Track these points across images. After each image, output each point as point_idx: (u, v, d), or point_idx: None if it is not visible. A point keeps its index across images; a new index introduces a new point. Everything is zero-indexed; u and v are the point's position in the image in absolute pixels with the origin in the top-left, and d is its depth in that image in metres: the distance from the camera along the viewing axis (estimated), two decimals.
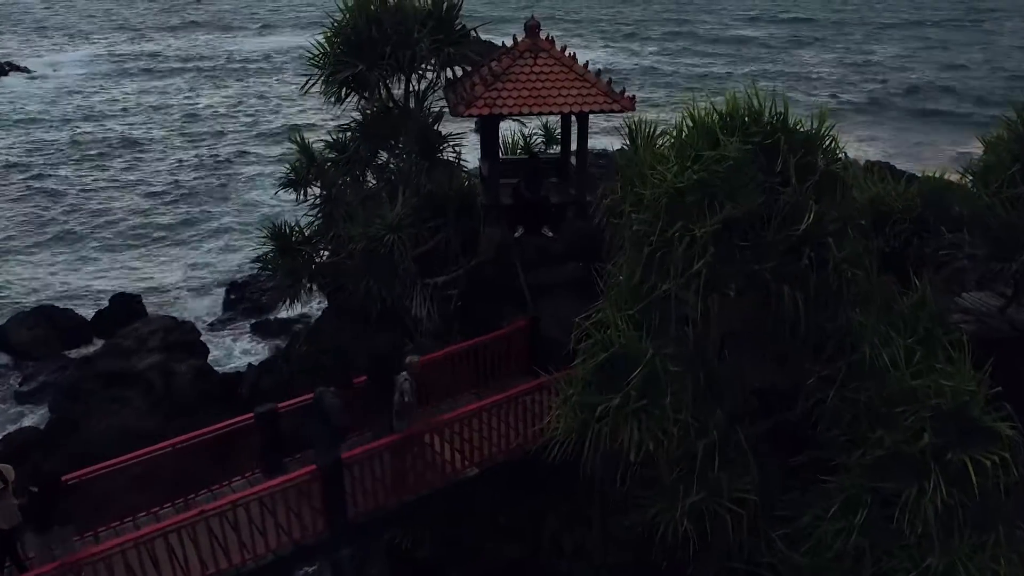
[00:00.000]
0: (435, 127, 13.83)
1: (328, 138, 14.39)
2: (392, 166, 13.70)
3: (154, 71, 61.38)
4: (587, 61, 13.90)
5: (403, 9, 13.53)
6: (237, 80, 57.69)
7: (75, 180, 37.75)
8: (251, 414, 10.67)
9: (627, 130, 14.84)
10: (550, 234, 14.28)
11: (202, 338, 22.61)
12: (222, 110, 49.82)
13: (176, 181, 37.56)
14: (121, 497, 9.86)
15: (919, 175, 15.92)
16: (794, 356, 10.12)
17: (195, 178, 37.95)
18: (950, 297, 13.43)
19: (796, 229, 9.52)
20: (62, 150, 41.78)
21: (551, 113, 13.23)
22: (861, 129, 46.24)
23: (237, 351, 24.15)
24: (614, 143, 20.24)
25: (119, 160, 40.69)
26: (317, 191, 13.80)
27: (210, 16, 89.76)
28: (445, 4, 13.99)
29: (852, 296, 9.94)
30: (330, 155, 13.88)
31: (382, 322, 13.62)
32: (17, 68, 60.11)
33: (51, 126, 46.16)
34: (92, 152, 41.65)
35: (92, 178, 38.03)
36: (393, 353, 11.35)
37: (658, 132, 13.96)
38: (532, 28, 13.75)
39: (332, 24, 13.43)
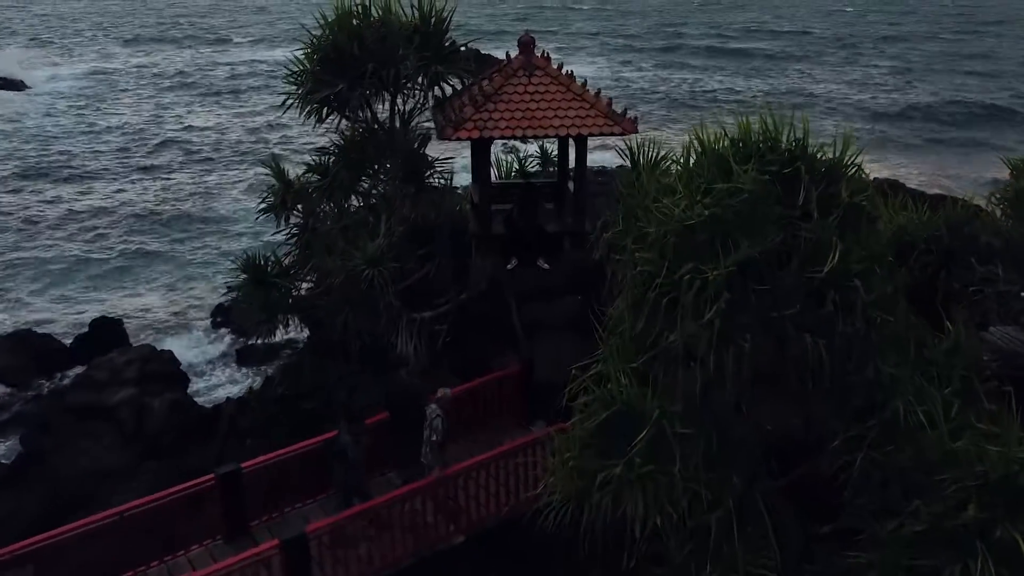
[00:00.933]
0: (422, 150, 12.80)
1: (311, 160, 13.34)
2: (376, 192, 12.65)
3: (147, 87, 60.45)
4: (585, 80, 12.90)
5: (387, 24, 12.56)
6: (230, 96, 56.80)
7: (58, 201, 36.66)
8: (212, 475, 9.59)
9: (628, 153, 13.91)
10: (546, 266, 13.24)
11: (183, 367, 21.51)
12: (212, 130, 48.70)
13: (161, 203, 36.51)
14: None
15: (935, 198, 14.90)
16: (817, 412, 9.06)
17: (180, 200, 36.98)
18: (981, 338, 12.38)
19: (819, 270, 8.50)
20: (45, 171, 40.72)
21: (546, 136, 12.25)
22: (871, 150, 45.14)
23: (221, 379, 23.09)
24: (614, 159, 19.30)
25: (103, 182, 39.66)
26: (297, 218, 12.72)
27: (207, 29, 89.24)
28: (433, 19, 12.99)
29: (882, 344, 8.89)
30: (311, 179, 12.84)
31: (366, 361, 12.60)
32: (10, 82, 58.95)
33: (37, 144, 45.13)
34: (77, 172, 40.68)
35: (75, 200, 36.88)
36: (411, 390, 10.49)
37: (661, 156, 13.02)
38: (526, 44, 12.78)
39: (311, 39, 12.41)
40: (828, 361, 8.34)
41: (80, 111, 53.20)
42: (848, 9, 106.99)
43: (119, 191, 38.48)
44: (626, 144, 13.76)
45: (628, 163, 14.08)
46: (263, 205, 13.01)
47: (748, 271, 8.46)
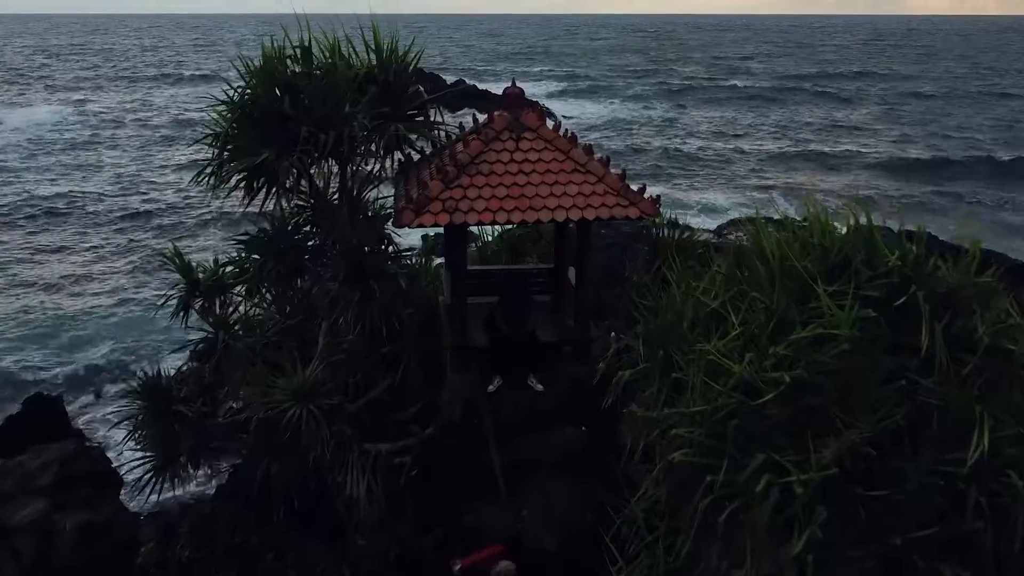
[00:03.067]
0: (376, 234, 9.84)
1: (231, 251, 10.39)
2: (314, 294, 9.67)
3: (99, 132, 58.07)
4: (590, 143, 9.97)
5: (332, 72, 9.65)
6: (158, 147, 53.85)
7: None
8: None
9: (647, 237, 11.01)
10: (539, 387, 10.23)
11: (115, 464, 18.33)
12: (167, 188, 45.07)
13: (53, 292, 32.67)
14: None
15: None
16: None
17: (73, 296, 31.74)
18: None
19: (959, 460, 5.57)
20: None
21: (539, 222, 9.32)
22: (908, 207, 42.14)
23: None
24: None
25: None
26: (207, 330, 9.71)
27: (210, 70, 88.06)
28: (393, 65, 10.10)
29: None
30: (226, 276, 9.87)
31: (296, 514, 9.53)
32: None
33: None
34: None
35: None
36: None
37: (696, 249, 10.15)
38: (513, 97, 9.94)
39: (228, 93, 9.50)
40: None
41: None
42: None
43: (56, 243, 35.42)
44: (643, 225, 10.92)
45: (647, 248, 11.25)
46: (172, 306, 9.95)
47: (850, 468, 5.53)
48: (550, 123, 10.22)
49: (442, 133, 10.70)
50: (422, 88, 10.76)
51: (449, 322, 10.39)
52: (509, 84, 10.12)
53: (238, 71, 9.64)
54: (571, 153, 9.77)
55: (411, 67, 10.66)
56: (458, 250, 10.21)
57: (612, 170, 9.67)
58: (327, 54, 10.47)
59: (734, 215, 43.48)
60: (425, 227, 9.21)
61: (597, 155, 9.92)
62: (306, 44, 10.14)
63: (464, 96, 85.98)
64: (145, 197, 43.93)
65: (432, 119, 10.96)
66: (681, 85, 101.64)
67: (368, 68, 10.48)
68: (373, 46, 10.56)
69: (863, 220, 7.01)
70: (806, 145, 63.93)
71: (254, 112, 9.36)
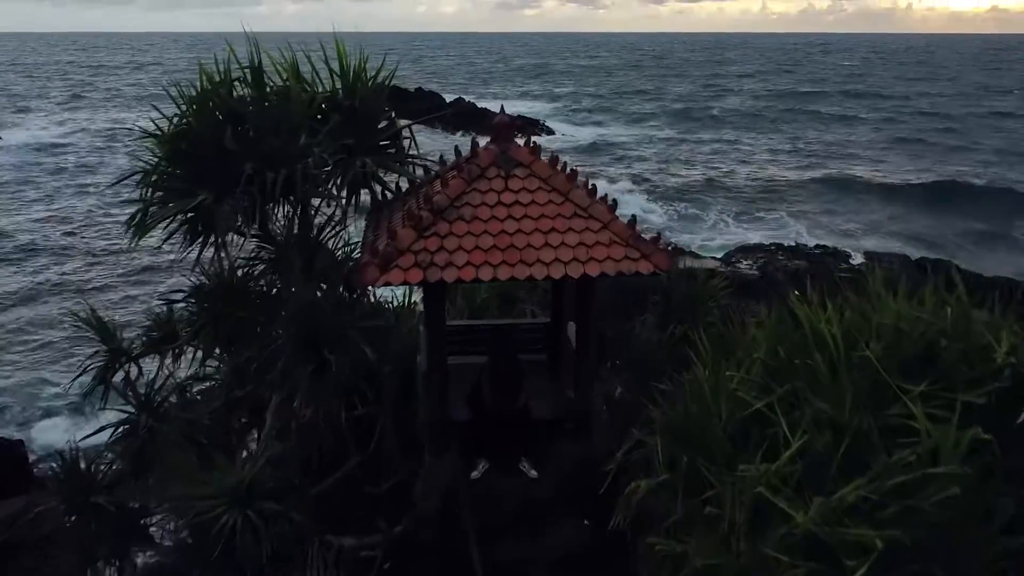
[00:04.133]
0: (334, 293, 8.29)
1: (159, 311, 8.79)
2: (259, 364, 8.07)
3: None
4: (594, 184, 8.45)
5: (286, 97, 8.14)
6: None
7: None
8: None
9: (660, 295, 9.56)
10: (532, 472, 8.65)
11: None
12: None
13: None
14: None
15: None
16: None
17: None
18: None
19: None
20: None
21: (531, 279, 7.72)
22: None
23: None
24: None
25: None
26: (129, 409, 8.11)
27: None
28: (359, 88, 8.59)
29: None
30: (152, 341, 8.30)
31: None
32: None
33: None
34: None
35: None
36: None
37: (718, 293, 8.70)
38: (502, 127, 8.43)
39: (163, 126, 7.98)
40: None
41: None
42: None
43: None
44: (654, 281, 9.43)
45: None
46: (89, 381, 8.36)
47: None
48: (545, 156, 8.69)
49: (420, 170, 9.18)
50: (395, 115, 9.24)
51: (425, 392, 8.80)
52: (498, 112, 8.57)
53: (171, 96, 8.11)
54: (571, 194, 8.19)
55: (383, 90, 9.16)
56: (436, 308, 8.63)
57: (619, 217, 8.11)
58: (285, 75, 8.98)
59: (737, 234, 42.07)
60: (393, 286, 7.63)
61: (600, 195, 8.37)
62: (257, 63, 8.65)
63: (462, 114, 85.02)
64: (65, 242, 40.77)
65: (408, 150, 9.45)
66: (679, 107, 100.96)
67: (331, 92, 8.97)
68: (339, 68, 9.08)
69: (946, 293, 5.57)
70: (813, 167, 62.72)
71: (188, 146, 7.81)
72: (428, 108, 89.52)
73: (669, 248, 7.98)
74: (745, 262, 29.81)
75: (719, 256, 31.59)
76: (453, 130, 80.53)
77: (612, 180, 56.61)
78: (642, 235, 8.00)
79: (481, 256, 7.74)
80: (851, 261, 31.21)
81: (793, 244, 33.39)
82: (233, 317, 8.06)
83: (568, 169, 8.53)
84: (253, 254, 8.80)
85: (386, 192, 9.25)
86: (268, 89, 8.83)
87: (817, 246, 33.13)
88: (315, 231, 8.86)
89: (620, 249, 7.88)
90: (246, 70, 8.66)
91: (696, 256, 29.97)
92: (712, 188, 55.57)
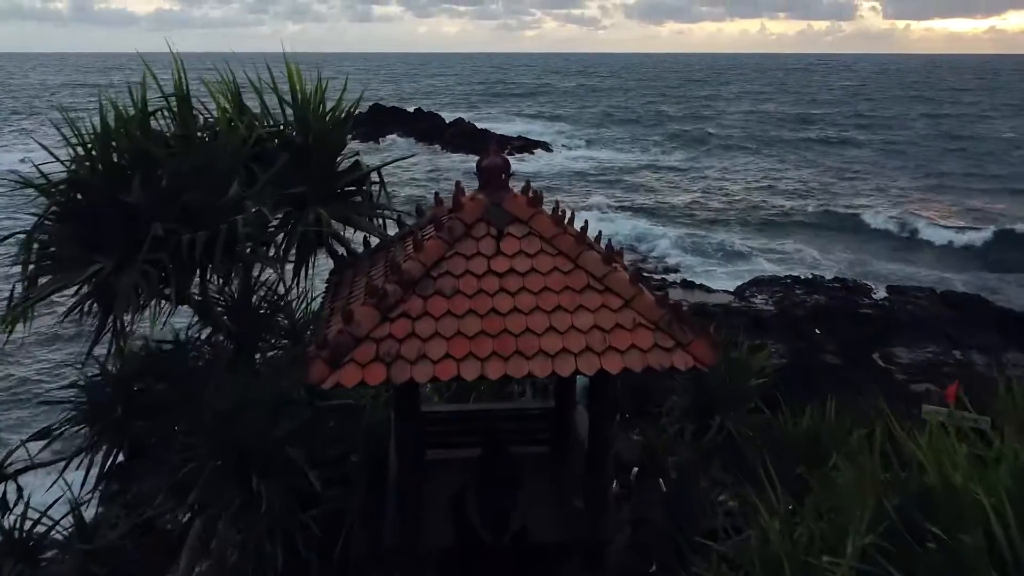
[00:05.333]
0: (270, 397, 6.41)
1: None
2: (179, 486, 6.16)
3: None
4: (609, 238, 6.62)
5: (214, 134, 6.31)
6: None
7: None
8: None
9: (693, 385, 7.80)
10: None
11: None
12: None
13: None
14: None
15: None
16: None
17: None
18: None
19: None
20: None
21: (531, 376, 5.81)
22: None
23: None
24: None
25: None
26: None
27: None
28: (313, 123, 6.77)
29: None
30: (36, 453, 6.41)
31: None
32: None
33: None
34: None
35: None
36: None
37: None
38: (493, 171, 6.53)
39: (48, 174, 6.13)
40: None
41: None
42: None
43: None
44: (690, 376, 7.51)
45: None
46: None
47: None
48: (547, 206, 6.81)
49: (392, 223, 7.33)
50: (359, 154, 7.40)
51: (394, 511, 6.89)
52: (486, 154, 6.69)
53: (65, 138, 6.27)
54: (581, 259, 6.29)
55: (345, 124, 7.33)
56: (408, 404, 6.74)
57: (646, 290, 6.22)
58: (229, 106, 7.17)
59: (747, 265, 40.22)
60: (346, 388, 5.73)
61: (623, 260, 6.49)
62: (184, 91, 6.83)
63: (461, 135, 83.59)
64: None
65: (378, 198, 7.61)
66: (677, 128, 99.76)
67: (278, 127, 7.16)
68: (290, 93, 7.26)
69: None
70: (821, 193, 61.15)
71: (79, 205, 5.97)
72: (428, 128, 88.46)
73: (712, 332, 6.07)
74: (760, 296, 27.97)
75: (731, 289, 29.76)
76: (452, 150, 79.28)
77: (610, 207, 54.96)
78: (679, 312, 6.10)
79: (464, 346, 5.84)
80: (874, 296, 29.35)
81: (810, 276, 31.55)
82: (137, 426, 6.21)
83: (571, 216, 6.65)
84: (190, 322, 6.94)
85: (350, 252, 7.41)
86: (202, 122, 7.05)
87: (836, 279, 31.29)
88: (257, 301, 7.00)
89: (647, 335, 5.97)
90: (171, 99, 6.86)
91: (707, 290, 28.22)
92: (716, 213, 53.87)
